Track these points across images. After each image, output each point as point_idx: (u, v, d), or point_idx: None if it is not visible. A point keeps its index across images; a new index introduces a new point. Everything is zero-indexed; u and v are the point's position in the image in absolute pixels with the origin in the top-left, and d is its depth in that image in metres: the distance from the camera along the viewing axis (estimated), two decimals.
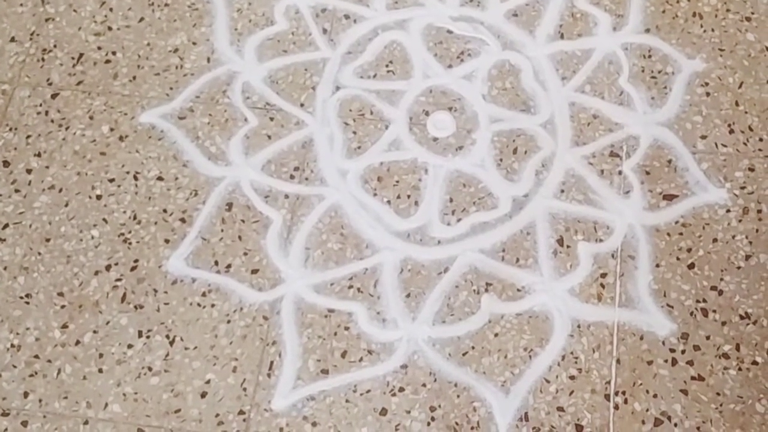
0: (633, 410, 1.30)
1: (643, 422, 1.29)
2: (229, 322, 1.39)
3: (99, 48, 1.62)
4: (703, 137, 1.48)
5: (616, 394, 1.31)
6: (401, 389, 1.33)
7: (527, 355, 1.34)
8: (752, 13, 1.57)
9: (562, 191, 1.45)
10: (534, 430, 1.29)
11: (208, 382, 1.35)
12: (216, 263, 1.43)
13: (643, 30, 1.57)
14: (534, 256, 1.40)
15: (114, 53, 1.61)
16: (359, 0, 1.63)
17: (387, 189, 1.47)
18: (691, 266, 1.38)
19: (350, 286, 1.40)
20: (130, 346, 1.38)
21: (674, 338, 1.33)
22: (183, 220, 1.46)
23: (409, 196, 1.46)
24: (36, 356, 1.37)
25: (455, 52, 1.58)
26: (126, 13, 1.65)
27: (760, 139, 1.46)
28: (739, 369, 1.31)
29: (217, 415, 1.32)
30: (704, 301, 1.35)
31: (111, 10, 1.65)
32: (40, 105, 1.57)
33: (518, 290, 1.38)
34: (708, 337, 1.33)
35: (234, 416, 1.32)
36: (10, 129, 1.55)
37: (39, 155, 1.53)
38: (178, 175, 1.50)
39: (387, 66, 1.57)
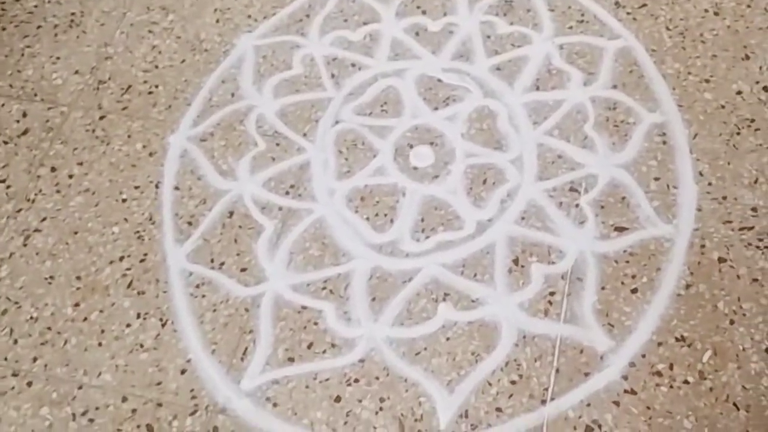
0: (566, 416, 1.25)
1: (575, 428, 1.24)
2: (215, 311, 1.42)
3: (145, 82, 1.73)
4: (657, 179, 1.46)
5: (552, 400, 1.28)
6: (356, 380, 1.33)
7: (474, 359, 1.32)
8: (711, 76, 1.57)
9: (523, 218, 1.44)
10: (472, 427, 1.27)
11: (188, 360, 1.37)
12: (212, 260, 1.47)
13: (611, 86, 1.58)
14: (490, 273, 1.39)
15: (157, 86, 1.72)
16: (365, 52, 1.70)
17: (368, 207, 1.50)
18: (634, 291, 1.36)
19: (324, 288, 1.42)
20: (128, 326, 1.42)
21: (611, 354, 1.31)
22: (190, 223, 1.53)
23: (386, 215, 1.49)
24: (48, 328, 1.43)
25: (442, 97, 1.62)
26: (172, 56, 1.76)
27: (709, 183, 1.44)
28: (671, 387, 1.27)
29: (192, 390, 1.34)
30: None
31: (160, 53, 1.77)
32: (89, 124, 1.68)
33: (472, 301, 1.37)
34: (644, 356, 1.30)
35: (206, 392, 1.33)
36: (62, 142, 1.66)
37: (81, 164, 1.63)
38: (192, 186, 1.58)
39: (382, 106, 1.62)
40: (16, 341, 1.42)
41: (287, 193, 1.54)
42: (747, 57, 1.60)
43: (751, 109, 1.53)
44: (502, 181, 1.50)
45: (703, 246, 1.38)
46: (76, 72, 1.77)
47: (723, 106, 1.54)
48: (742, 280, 1.34)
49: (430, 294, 1.39)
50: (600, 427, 1.24)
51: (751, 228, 1.40)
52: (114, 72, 1.76)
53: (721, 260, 1.37)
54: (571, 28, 1.68)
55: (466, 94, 1.61)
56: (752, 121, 1.51)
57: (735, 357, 1.27)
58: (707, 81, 1.57)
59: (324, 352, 1.36)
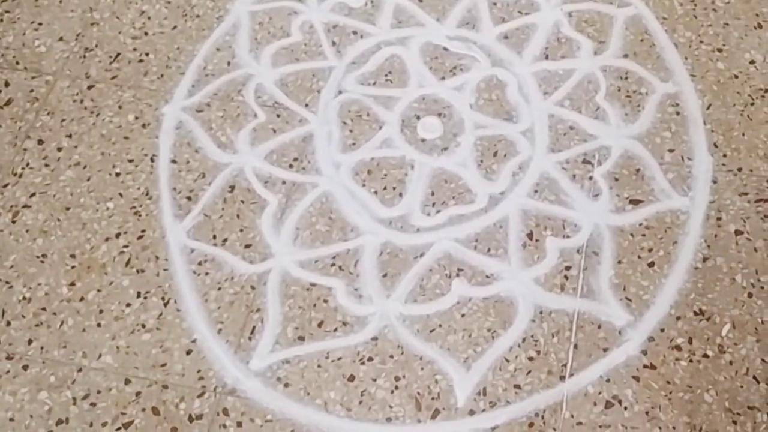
0: (586, 392, 1.26)
1: (595, 404, 1.25)
2: (219, 289, 1.39)
3: (135, 49, 1.67)
4: (671, 150, 1.46)
5: (571, 376, 1.28)
6: (370, 359, 1.31)
7: (490, 336, 1.31)
8: (723, 45, 1.57)
9: (536, 191, 1.43)
10: (490, 405, 1.26)
11: (194, 341, 1.34)
12: (214, 237, 1.44)
13: (622, 55, 1.57)
14: (504, 247, 1.38)
15: (147, 54, 1.66)
16: (367, 19, 1.67)
17: (375, 181, 1.48)
18: (651, 264, 1.36)
19: (333, 264, 1.39)
20: (128, 305, 1.38)
21: (630, 329, 1.31)
22: (189, 198, 1.48)
23: (394, 188, 1.47)
24: (43, 309, 1.38)
25: (449, 66, 1.59)
26: (162, 22, 1.71)
27: (724, 155, 1.45)
28: (690, 361, 1.27)
29: (199, 371, 1.31)
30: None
31: (149, 18, 1.72)
32: (77, 94, 1.62)
33: (487, 277, 1.36)
34: (662, 330, 1.30)
35: (214, 372, 1.31)
36: (48, 113, 1.60)
37: (70, 136, 1.57)
38: (190, 159, 1.54)
39: (386, 76, 1.59)
40: (9, 323, 1.38)
41: (291, 166, 1.50)
42: (759, 26, 1.60)
43: (764, 79, 1.53)
44: (514, 153, 1.48)
45: (719, 218, 1.38)
46: (61, 39, 1.70)
47: (736, 76, 1.53)
48: (759, 253, 1.35)
49: (443, 270, 1.37)
50: (620, 402, 1.24)
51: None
52: (101, 39, 1.70)
53: (737, 233, 1.37)
54: None
55: (474, 64, 1.58)
56: (766, 91, 1.51)
57: (754, 330, 1.28)
58: (719, 50, 1.57)
59: (335, 330, 1.34)
